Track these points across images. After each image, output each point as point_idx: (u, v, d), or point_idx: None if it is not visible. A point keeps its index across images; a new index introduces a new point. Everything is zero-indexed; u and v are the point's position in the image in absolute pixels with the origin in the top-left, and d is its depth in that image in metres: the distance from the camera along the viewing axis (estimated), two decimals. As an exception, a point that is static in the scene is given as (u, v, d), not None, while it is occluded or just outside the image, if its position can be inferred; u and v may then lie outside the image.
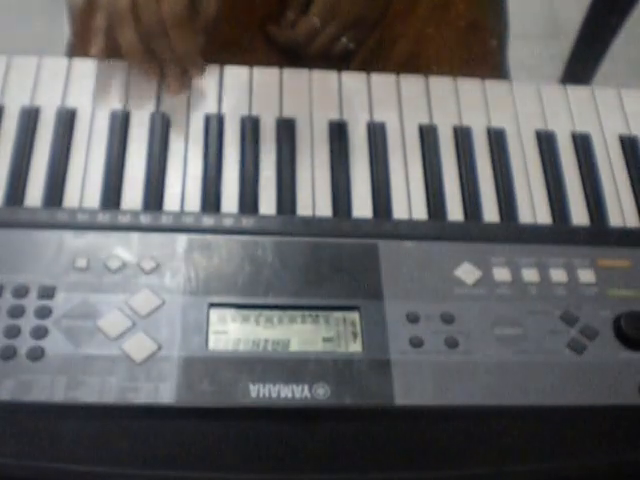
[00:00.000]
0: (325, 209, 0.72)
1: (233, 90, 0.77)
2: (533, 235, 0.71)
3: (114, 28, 0.74)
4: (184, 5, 0.73)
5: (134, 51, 0.74)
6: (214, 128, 0.74)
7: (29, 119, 0.73)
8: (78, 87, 0.76)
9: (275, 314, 0.63)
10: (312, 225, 0.69)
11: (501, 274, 0.67)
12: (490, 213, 0.73)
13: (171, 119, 0.75)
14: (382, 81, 0.80)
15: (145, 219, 0.67)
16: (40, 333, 0.60)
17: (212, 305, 0.62)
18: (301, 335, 0.62)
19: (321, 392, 0.59)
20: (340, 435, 0.58)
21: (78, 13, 1.00)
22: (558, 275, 0.67)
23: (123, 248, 0.65)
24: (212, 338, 0.61)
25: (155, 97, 0.76)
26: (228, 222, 0.68)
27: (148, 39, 0.73)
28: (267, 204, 0.71)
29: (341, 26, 0.86)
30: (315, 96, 0.78)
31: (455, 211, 0.73)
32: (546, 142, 0.78)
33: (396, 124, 0.78)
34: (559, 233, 0.72)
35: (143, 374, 0.59)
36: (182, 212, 0.69)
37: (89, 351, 0.59)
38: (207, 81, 0.77)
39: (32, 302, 0.61)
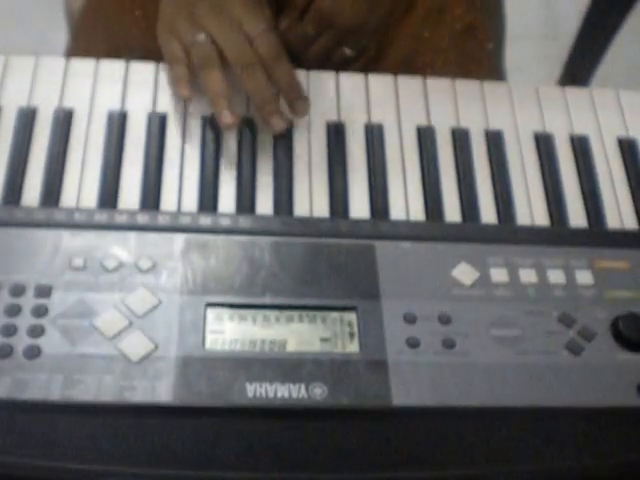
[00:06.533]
0: (322, 210, 0.71)
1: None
2: (531, 236, 0.71)
3: (200, 70, 0.74)
4: (276, 37, 0.75)
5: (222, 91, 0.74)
6: (211, 128, 0.74)
7: (26, 119, 0.73)
8: (75, 87, 0.76)
9: (272, 314, 0.63)
10: (309, 225, 0.69)
11: (499, 275, 0.67)
12: (488, 214, 0.73)
13: (168, 119, 0.75)
14: (380, 82, 0.80)
15: (142, 219, 0.67)
16: (37, 332, 0.59)
17: (209, 305, 0.62)
18: (298, 335, 0.62)
19: (318, 392, 0.59)
20: (337, 435, 0.58)
21: (76, 16, 1.00)
22: (556, 276, 0.67)
23: (120, 247, 0.65)
24: (209, 338, 0.61)
25: (152, 97, 0.76)
26: (225, 222, 0.68)
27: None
28: (264, 204, 0.71)
29: (337, 35, 0.85)
30: (313, 97, 0.77)
31: (453, 212, 0.73)
32: (544, 144, 0.78)
33: (394, 125, 0.77)
34: (557, 235, 0.72)
35: (140, 373, 0.58)
36: (179, 212, 0.69)
37: (86, 350, 0.59)
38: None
39: (29, 301, 0.61)
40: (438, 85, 0.81)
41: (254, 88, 0.74)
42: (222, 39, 0.74)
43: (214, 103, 0.73)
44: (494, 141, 0.77)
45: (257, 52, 0.74)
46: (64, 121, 0.73)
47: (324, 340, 0.62)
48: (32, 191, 0.69)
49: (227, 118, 0.72)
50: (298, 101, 0.75)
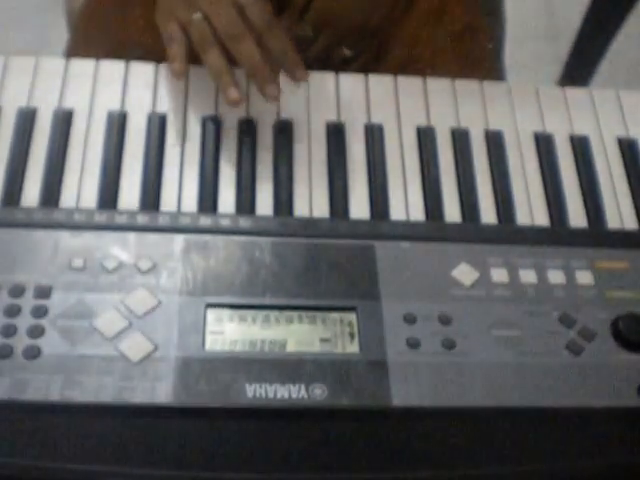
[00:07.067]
0: (322, 210, 0.71)
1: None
2: (531, 237, 0.71)
3: (200, 50, 0.74)
4: (268, 6, 0.74)
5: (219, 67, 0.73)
6: (211, 129, 0.74)
7: (26, 119, 0.73)
8: (75, 87, 0.76)
9: (272, 314, 0.63)
10: (309, 226, 0.69)
11: (499, 275, 0.67)
12: (488, 215, 0.73)
13: (168, 120, 0.75)
14: (380, 83, 0.80)
15: (142, 219, 0.67)
16: (36, 332, 0.59)
17: (209, 305, 0.62)
18: (298, 335, 0.62)
19: (318, 392, 0.59)
20: (337, 436, 0.58)
21: (76, 15, 1.00)
22: (556, 277, 0.67)
23: (120, 248, 0.64)
24: (209, 338, 0.61)
25: (152, 97, 0.76)
26: (225, 222, 0.68)
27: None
28: (264, 205, 0.71)
29: (336, 36, 0.85)
30: (313, 98, 0.78)
31: (453, 212, 0.73)
32: (544, 144, 0.78)
33: (394, 126, 0.77)
34: (557, 235, 0.72)
35: (139, 374, 0.58)
36: (179, 212, 0.69)
37: (85, 351, 0.59)
38: (204, 83, 0.76)
39: (28, 301, 0.61)
40: (438, 85, 0.81)
41: (245, 56, 0.73)
42: (214, 15, 0.73)
43: (217, 81, 0.73)
44: (494, 141, 0.77)
45: (248, 21, 0.73)
46: (64, 121, 0.73)
47: (324, 340, 0.62)
48: (32, 191, 0.69)
49: (233, 94, 0.72)
50: (296, 67, 0.75)
